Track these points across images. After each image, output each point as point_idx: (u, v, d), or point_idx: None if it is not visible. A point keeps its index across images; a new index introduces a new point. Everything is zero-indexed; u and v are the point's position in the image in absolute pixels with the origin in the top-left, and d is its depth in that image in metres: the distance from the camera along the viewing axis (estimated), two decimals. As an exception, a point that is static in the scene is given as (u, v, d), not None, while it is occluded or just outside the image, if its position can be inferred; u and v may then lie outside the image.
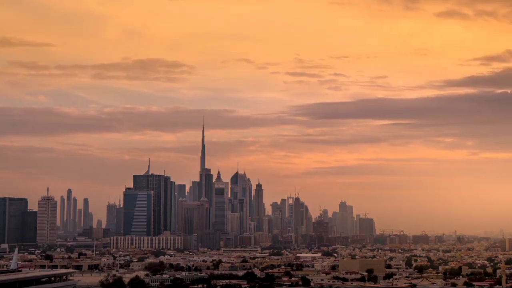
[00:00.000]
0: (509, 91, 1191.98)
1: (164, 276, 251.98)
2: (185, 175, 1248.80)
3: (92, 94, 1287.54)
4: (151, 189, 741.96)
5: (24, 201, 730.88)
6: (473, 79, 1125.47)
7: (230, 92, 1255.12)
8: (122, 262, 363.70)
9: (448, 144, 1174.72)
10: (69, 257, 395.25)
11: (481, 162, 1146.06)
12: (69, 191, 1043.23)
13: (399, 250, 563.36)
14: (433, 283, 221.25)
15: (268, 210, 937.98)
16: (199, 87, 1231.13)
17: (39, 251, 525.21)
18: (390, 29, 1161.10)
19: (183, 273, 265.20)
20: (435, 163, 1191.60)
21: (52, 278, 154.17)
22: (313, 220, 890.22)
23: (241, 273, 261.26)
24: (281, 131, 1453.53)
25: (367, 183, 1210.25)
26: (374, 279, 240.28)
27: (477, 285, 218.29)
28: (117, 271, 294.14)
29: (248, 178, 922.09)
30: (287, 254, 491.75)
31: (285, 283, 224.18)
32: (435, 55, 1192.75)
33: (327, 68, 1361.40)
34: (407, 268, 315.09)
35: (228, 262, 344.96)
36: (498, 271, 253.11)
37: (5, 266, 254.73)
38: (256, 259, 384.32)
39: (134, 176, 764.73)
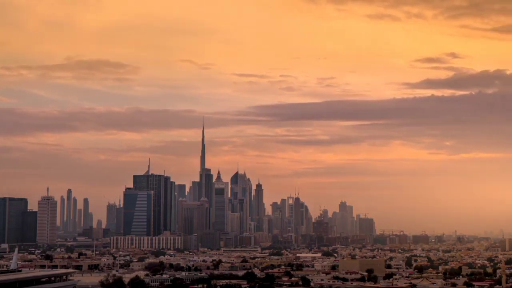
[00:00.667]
0: (473, 92, 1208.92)
1: (164, 276, 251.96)
2: (185, 175, 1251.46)
3: (47, 93, 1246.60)
4: (151, 189, 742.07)
5: (24, 201, 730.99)
6: (429, 81, 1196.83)
7: (185, 91, 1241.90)
8: (122, 262, 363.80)
9: (428, 144, 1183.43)
10: (69, 257, 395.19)
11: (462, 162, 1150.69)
12: (69, 191, 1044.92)
13: (399, 250, 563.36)
14: (433, 283, 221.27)
15: (268, 210, 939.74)
16: (149, 87, 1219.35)
17: (39, 251, 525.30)
18: (331, 30, 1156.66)
19: (183, 273, 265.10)
20: (416, 163, 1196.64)
21: (52, 278, 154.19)
22: (313, 220, 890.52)
23: (241, 273, 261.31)
24: (252, 131, 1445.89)
25: (363, 182, 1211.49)
26: (374, 279, 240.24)
27: (477, 285, 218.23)
28: (117, 271, 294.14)
29: (248, 178, 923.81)
30: (287, 254, 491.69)
31: (285, 283, 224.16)
32: (383, 56, 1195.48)
33: (274, 69, 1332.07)
34: (407, 268, 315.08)
35: (228, 262, 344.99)
36: (498, 271, 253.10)
37: (5, 266, 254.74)
38: (256, 259, 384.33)
39: (134, 176, 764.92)
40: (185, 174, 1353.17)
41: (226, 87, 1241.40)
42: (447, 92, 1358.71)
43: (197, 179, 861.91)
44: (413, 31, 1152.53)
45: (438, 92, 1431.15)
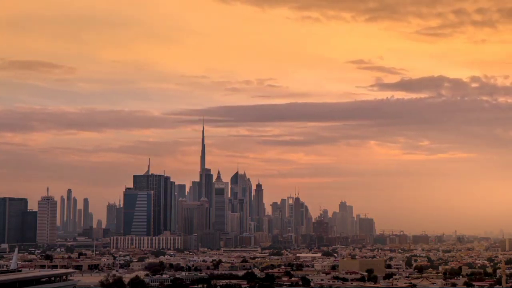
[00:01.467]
0: (426, 95, 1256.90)
1: (164, 276, 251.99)
2: (185, 175, 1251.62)
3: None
4: (151, 189, 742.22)
5: (24, 201, 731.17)
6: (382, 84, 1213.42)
7: (128, 92, 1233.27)
8: (122, 262, 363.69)
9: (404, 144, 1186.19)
10: (69, 257, 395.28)
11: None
12: (69, 191, 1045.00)
13: (399, 250, 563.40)
14: (433, 283, 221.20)
15: (268, 210, 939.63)
16: (90, 87, 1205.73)
17: (39, 251, 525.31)
18: (261, 30, 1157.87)
19: (183, 273, 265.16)
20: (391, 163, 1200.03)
21: (52, 278, 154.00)
22: (313, 220, 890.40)
23: (241, 273, 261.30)
24: (223, 132, 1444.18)
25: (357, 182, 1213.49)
26: (374, 279, 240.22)
27: (477, 285, 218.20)
28: (117, 271, 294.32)
29: (248, 178, 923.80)
30: (287, 254, 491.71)
31: (285, 283, 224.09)
32: (320, 56, 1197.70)
33: (211, 70, 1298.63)
34: (407, 268, 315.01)
35: (228, 262, 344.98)
36: (498, 271, 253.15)
37: (5, 266, 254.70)
38: (256, 259, 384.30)
39: (134, 176, 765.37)
40: (185, 174, 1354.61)
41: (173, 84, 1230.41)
42: (401, 94, 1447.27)
43: (197, 179, 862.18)
44: (339, 33, 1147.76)
45: (391, 95, 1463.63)
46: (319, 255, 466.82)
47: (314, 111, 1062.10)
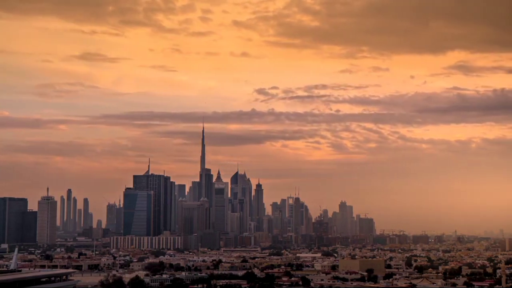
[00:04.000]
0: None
1: (164, 276, 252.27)
2: (185, 175, 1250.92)
3: None
4: (151, 189, 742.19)
5: (24, 201, 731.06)
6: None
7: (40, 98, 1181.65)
8: (122, 262, 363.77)
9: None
10: (69, 257, 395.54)
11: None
12: (69, 191, 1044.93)
13: (399, 250, 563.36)
14: (433, 283, 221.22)
15: (268, 210, 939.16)
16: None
17: (39, 251, 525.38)
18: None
19: (183, 273, 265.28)
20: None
21: (52, 278, 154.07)
22: (313, 220, 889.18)
23: (241, 273, 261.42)
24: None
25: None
26: (374, 279, 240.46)
27: (477, 285, 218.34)
28: (117, 271, 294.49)
29: (248, 178, 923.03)
30: (287, 254, 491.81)
31: (285, 283, 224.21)
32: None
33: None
34: (407, 268, 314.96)
35: (228, 262, 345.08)
36: (498, 271, 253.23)
37: (5, 266, 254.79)
38: (256, 259, 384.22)
39: (134, 176, 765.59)
40: (185, 174, 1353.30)
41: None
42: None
43: (197, 179, 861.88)
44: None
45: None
46: (319, 255, 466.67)
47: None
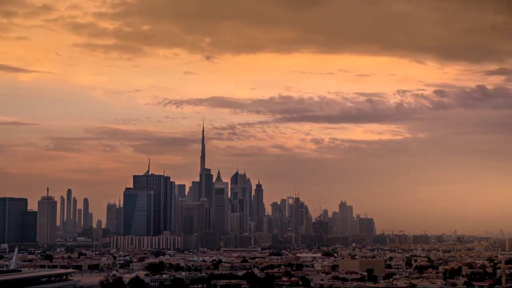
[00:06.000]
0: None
1: (164, 276, 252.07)
2: (185, 175, 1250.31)
3: None
4: (151, 189, 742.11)
5: (24, 201, 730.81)
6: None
7: None
8: (122, 262, 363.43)
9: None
10: (69, 257, 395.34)
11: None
12: (69, 191, 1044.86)
13: (399, 250, 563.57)
14: (433, 283, 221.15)
15: (268, 210, 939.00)
16: None
17: (39, 251, 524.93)
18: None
19: (183, 273, 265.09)
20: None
21: (52, 278, 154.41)
22: (313, 220, 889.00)
23: (241, 273, 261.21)
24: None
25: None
26: (374, 279, 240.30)
27: (477, 285, 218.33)
28: (117, 271, 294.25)
29: (248, 178, 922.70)
30: (287, 254, 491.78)
31: (285, 283, 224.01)
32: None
33: None
34: (407, 268, 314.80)
35: (228, 262, 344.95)
36: (498, 271, 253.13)
37: (5, 266, 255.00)
38: (256, 259, 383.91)
39: (134, 176, 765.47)
40: (185, 174, 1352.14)
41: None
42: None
43: (197, 179, 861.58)
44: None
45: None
46: (319, 255, 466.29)
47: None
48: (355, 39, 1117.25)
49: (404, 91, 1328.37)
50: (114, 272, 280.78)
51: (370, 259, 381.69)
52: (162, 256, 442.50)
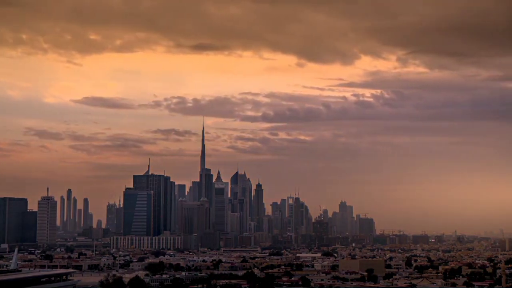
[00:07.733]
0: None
1: (164, 276, 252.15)
2: (185, 175, 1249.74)
3: None
4: (151, 189, 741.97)
5: (24, 201, 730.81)
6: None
7: None
8: (122, 262, 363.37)
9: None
10: (69, 257, 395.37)
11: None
12: (69, 191, 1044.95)
13: (399, 250, 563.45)
14: (433, 283, 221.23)
15: (268, 210, 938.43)
16: None
17: (39, 251, 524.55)
18: None
19: (183, 273, 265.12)
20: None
21: (52, 278, 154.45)
22: (313, 220, 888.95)
23: (241, 273, 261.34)
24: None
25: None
26: (374, 279, 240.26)
27: (477, 285, 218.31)
28: (117, 271, 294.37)
29: (248, 178, 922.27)
30: (287, 254, 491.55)
31: (285, 283, 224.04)
32: None
33: None
34: (407, 268, 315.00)
35: (228, 262, 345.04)
36: (498, 271, 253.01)
37: (5, 266, 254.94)
38: (256, 259, 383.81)
39: (134, 176, 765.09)
40: (185, 174, 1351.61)
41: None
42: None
43: (197, 179, 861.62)
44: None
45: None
46: (319, 255, 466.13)
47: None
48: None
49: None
50: (114, 272, 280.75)
51: (370, 259, 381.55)
52: (162, 256, 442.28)
